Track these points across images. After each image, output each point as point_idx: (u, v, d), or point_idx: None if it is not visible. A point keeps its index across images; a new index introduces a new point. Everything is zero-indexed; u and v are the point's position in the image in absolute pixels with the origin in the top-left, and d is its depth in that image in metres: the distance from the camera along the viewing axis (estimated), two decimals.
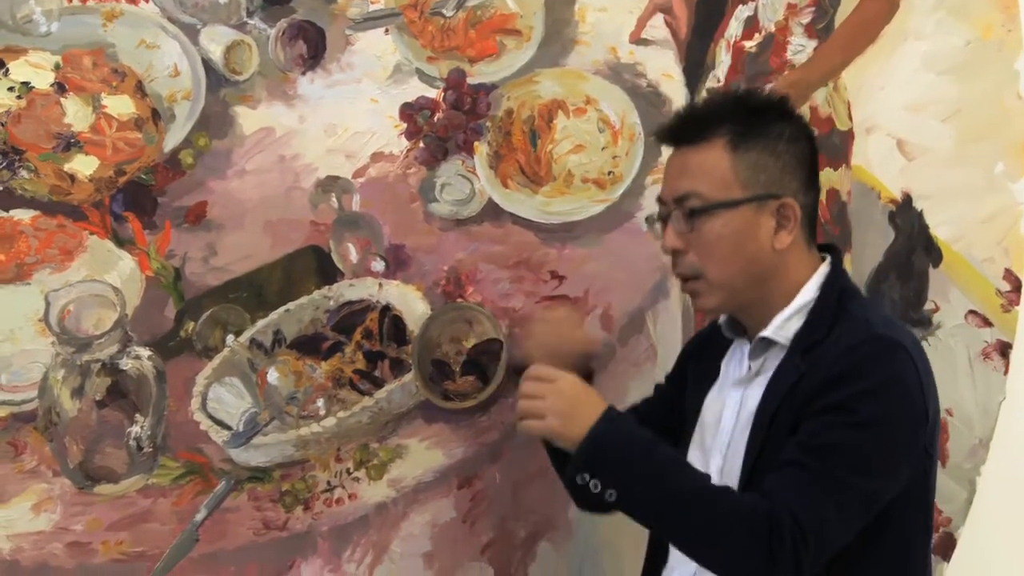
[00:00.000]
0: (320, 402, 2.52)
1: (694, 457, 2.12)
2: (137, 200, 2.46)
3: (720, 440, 2.08)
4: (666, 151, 2.66)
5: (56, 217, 2.40)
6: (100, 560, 2.37)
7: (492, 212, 2.65)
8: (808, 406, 1.94)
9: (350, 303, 2.57)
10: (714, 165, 2.02)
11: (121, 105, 2.44)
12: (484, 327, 2.60)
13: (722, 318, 2.17)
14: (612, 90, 2.70)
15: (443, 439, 2.57)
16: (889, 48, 2.83)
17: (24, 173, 2.37)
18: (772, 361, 2.05)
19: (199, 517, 2.43)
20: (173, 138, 2.48)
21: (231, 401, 2.48)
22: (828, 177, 2.81)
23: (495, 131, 2.67)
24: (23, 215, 2.39)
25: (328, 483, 2.51)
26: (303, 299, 2.55)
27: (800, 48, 2.79)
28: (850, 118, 2.84)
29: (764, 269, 2.04)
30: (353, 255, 2.57)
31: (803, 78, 2.79)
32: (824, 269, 2.08)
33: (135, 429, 2.41)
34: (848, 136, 2.84)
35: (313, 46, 2.56)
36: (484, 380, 2.57)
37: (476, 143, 2.65)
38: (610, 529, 2.66)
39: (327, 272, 2.56)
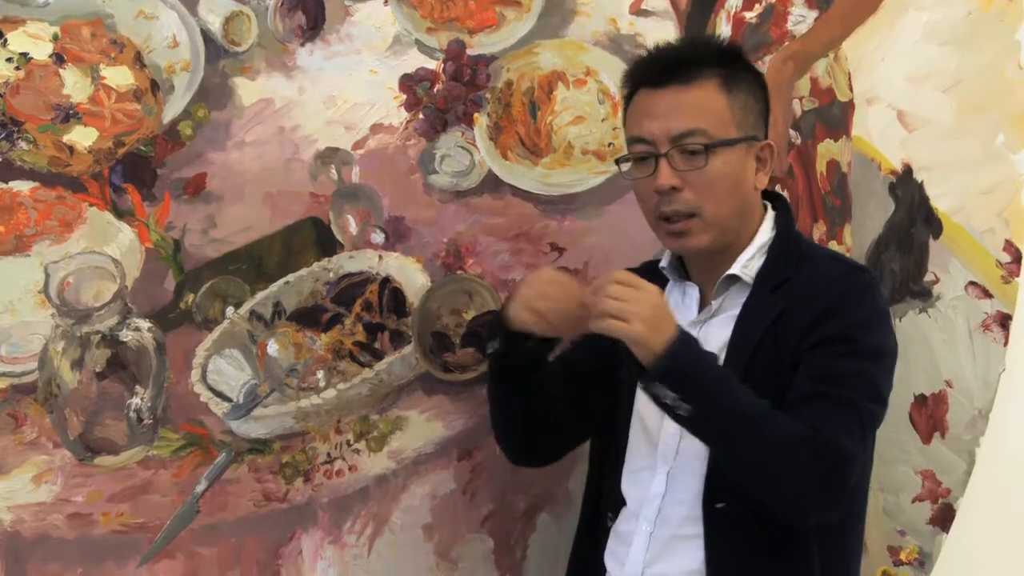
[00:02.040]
0: (320, 374, 2.52)
1: (645, 398, 2.12)
2: (136, 172, 2.45)
3: None
4: None
5: (55, 189, 2.39)
6: (101, 531, 2.38)
7: (492, 184, 2.65)
8: (805, 340, 2.01)
9: (350, 275, 2.57)
10: (712, 104, 2.09)
11: (120, 76, 2.43)
12: (484, 299, 2.60)
13: (664, 260, 2.23)
14: (612, 61, 2.69)
15: (443, 411, 2.57)
16: (890, 19, 2.82)
17: (23, 144, 2.36)
18: (734, 299, 2.11)
19: (199, 489, 2.43)
20: (172, 109, 2.47)
21: (231, 373, 2.48)
22: (829, 148, 2.81)
23: (495, 103, 2.66)
24: (22, 187, 2.38)
25: (328, 455, 2.52)
26: (303, 271, 2.54)
27: (801, 19, 2.78)
28: (851, 89, 2.83)
29: (746, 208, 2.13)
30: (353, 227, 2.57)
31: (803, 49, 2.78)
32: (772, 212, 2.18)
33: (135, 401, 2.41)
34: (848, 107, 2.84)
35: (312, 17, 2.55)
36: (484, 352, 2.57)
37: (476, 115, 2.65)
38: None
39: (327, 244, 2.56)
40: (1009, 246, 2.81)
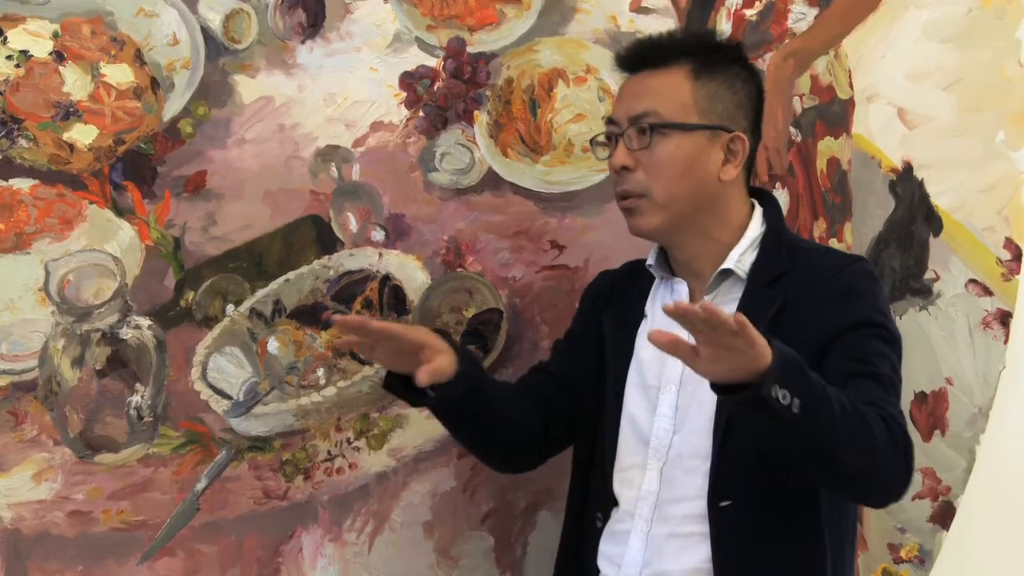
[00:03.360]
0: (320, 372, 2.52)
1: (635, 396, 2.16)
2: (136, 169, 2.45)
3: (670, 374, 2.12)
4: None
5: (55, 186, 2.39)
6: (101, 529, 2.38)
7: (492, 182, 2.65)
8: (826, 327, 2.02)
9: (350, 273, 2.57)
10: (675, 89, 2.12)
11: (120, 74, 2.43)
12: (484, 297, 2.60)
13: (650, 258, 2.23)
14: (612, 59, 2.69)
15: None
16: (890, 16, 2.82)
17: (23, 142, 2.36)
18: (726, 294, 2.12)
19: (200, 486, 2.43)
20: (172, 107, 2.47)
21: (231, 371, 2.48)
22: (829, 146, 2.81)
23: (495, 100, 2.66)
24: (22, 184, 2.38)
25: (328, 452, 2.52)
26: (303, 269, 2.54)
27: (801, 16, 2.78)
28: (851, 87, 2.83)
29: (707, 197, 2.12)
30: (353, 225, 2.57)
31: (804, 46, 2.78)
32: (759, 208, 2.19)
33: (135, 399, 2.41)
34: (849, 105, 2.84)
35: (312, 14, 2.55)
36: (484, 350, 2.57)
37: (476, 112, 2.65)
38: None
39: (327, 242, 2.56)
40: (1009, 243, 2.81)
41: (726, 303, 2.09)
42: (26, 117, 2.36)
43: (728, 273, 2.13)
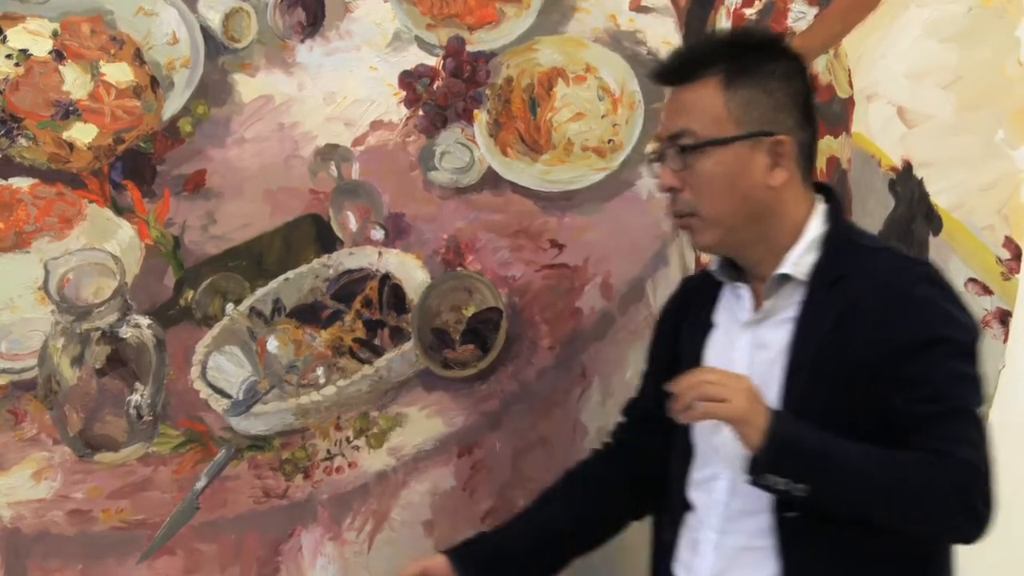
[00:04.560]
0: (320, 371, 2.52)
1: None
2: (136, 168, 2.45)
3: None
4: None
5: (55, 185, 2.40)
6: (101, 528, 2.38)
7: (492, 180, 2.65)
8: (884, 345, 1.94)
9: (349, 272, 2.57)
10: (707, 103, 2.04)
11: (119, 73, 2.43)
12: (483, 296, 2.60)
13: (713, 264, 2.17)
14: (612, 58, 2.69)
15: (443, 407, 2.57)
16: (890, 15, 2.82)
17: (23, 141, 2.37)
18: (788, 299, 2.04)
19: (199, 485, 2.43)
20: (172, 106, 2.48)
21: (231, 370, 2.48)
22: (828, 145, 2.81)
23: (494, 99, 2.66)
24: (22, 183, 2.39)
25: (328, 451, 2.52)
26: (302, 268, 2.54)
27: (801, 15, 2.78)
28: (851, 85, 2.83)
29: (759, 206, 2.04)
30: (352, 224, 2.57)
31: (803, 45, 2.77)
32: (822, 205, 2.10)
33: (135, 397, 2.41)
34: (849, 104, 2.83)
35: (312, 13, 2.55)
36: (484, 349, 2.57)
37: (475, 111, 2.65)
38: None
39: (326, 241, 2.56)
40: (1009, 242, 2.81)
41: (787, 307, 2.03)
42: (26, 116, 2.36)
43: (788, 276, 2.05)
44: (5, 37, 2.36)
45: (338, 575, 2.51)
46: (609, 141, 2.69)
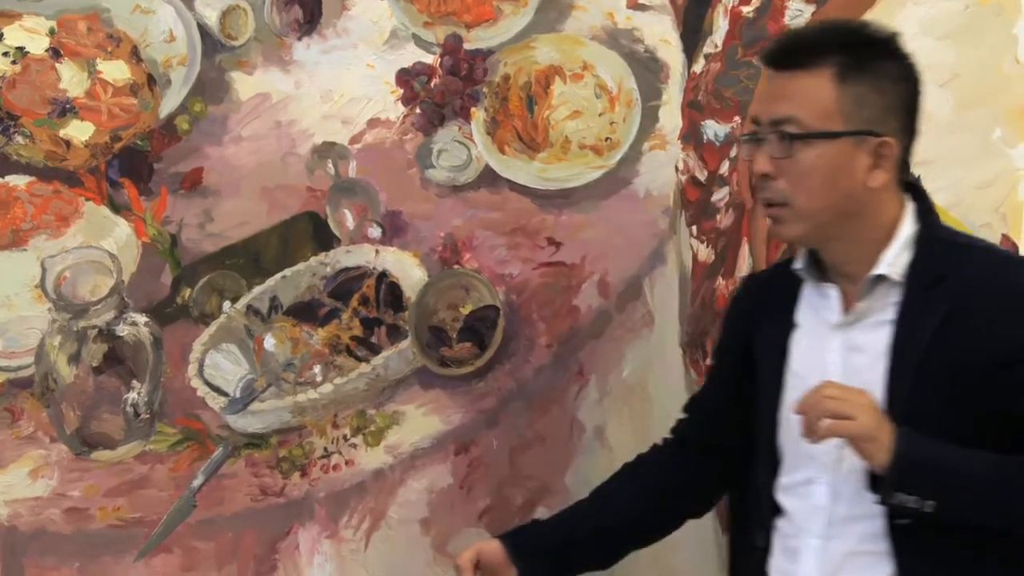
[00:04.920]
0: (317, 369, 2.52)
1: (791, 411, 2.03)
2: (133, 166, 2.45)
3: None
4: (665, 116, 2.71)
5: (52, 183, 2.40)
6: (97, 526, 2.38)
7: (489, 178, 2.65)
8: (1003, 348, 1.90)
9: (347, 269, 2.57)
10: (818, 93, 1.97)
11: (116, 70, 2.43)
12: (481, 293, 2.60)
13: (799, 262, 2.09)
14: (609, 56, 2.69)
15: (440, 405, 2.57)
16: (887, 13, 2.81)
17: (19, 139, 2.37)
18: (882, 300, 1.99)
19: (196, 483, 2.43)
20: (169, 104, 2.48)
21: (228, 367, 2.48)
22: None
23: (492, 97, 2.66)
24: (19, 181, 2.39)
25: (325, 449, 2.52)
26: (300, 266, 2.54)
27: (798, 13, 2.77)
28: None
29: (853, 205, 1.99)
30: (350, 221, 2.57)
31: None
32: (911, 204, 2.04)
33: (132, 395, 2.41)
34: None
35: (309, 11, 2.55)
36: (481, 346, 2.57)
37: (473, 109, 2.65)
38: None
39: (324, 238, 2.56)
40: (1006, 240, 2.80)
41: (882, 309, 1.98)
42: (22, 114, 2.36)
43: (882, 277, 1.99)
44: (2, 35, 2.36)
45: (335, 573, 2.51)
46: (606, 139, 2.69)
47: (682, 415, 2.28)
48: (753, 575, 2.10)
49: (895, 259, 1.98)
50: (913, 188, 2.07)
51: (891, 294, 1.98)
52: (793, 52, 1.99)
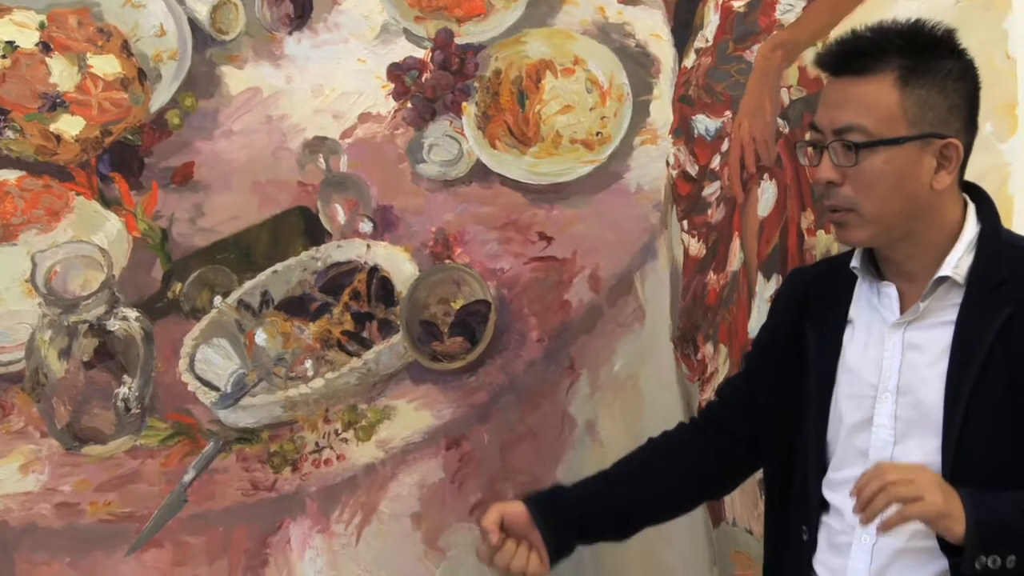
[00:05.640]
0: (308, 363, 2.52)
1: (848, 406, 2.04)
2: (123, 161, 2.45)
3: (885, 383, 2.01)
4: (656, 110, 2.71)
5: (42, 178, 2.39)
6: (88, 521, 2.38)
7: (480, 173, 2.65)
8: None
9: (338, 264, 2.57)
10: (881, 100, 1.95)
11: (107, 65, 2.42)
12: (472, 288, 2.60)
13: (855, 260, 2.08)
14: (600, 50, 2.69)
15: (431, 400, 2.57)
16: (878, 8, 2.80)
17: (9, 133, 2.36)
18: (943, 301, 1.99)
19: (187, 478, 2.43)
20: (159, 98, 2.47)
21: (219, 362, 2.48)
22: None
23: (483, 92, 2.66)
24: (9, 175, 2.38)
25: (316, 444, 2.52)
26: (291, 260, 2.54)
27: (789, 7, 2.77)
28: None
29: (919, 208, 1.98)
30: (341, 216, 2.57)
31: (792, 38, 2.77)
32: (973, 205, 2.03)
33: (123, 390, 2.41)
34: None
35: (299, 5, 2.55)
36: (472, 341, 2.57)
37: (464, 104, 2.64)
38: None
39: (315, 233, 2.56)
40: None
41: (944, 310, 1.98)
42: (12, 108, 2.36)
43: (945, 278, 1.98)
44: None
45: (326, 567, 2.52)
46: (597, 134, 2.69)
47: (714, 398, 2.30)
48: (796, 570, 2.09)
49: (958, 261, 1.97)
50: (973, 188, 2.06)
51: (952, 295, 1.97)
52: (852, 57, 1.98)
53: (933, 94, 1.96)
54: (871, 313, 2.04)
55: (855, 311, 2.08)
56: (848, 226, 1.99)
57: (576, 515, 2.16)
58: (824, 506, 2.07)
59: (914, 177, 1.95)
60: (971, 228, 2.00)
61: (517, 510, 2.13)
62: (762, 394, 2.15)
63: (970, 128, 2.02)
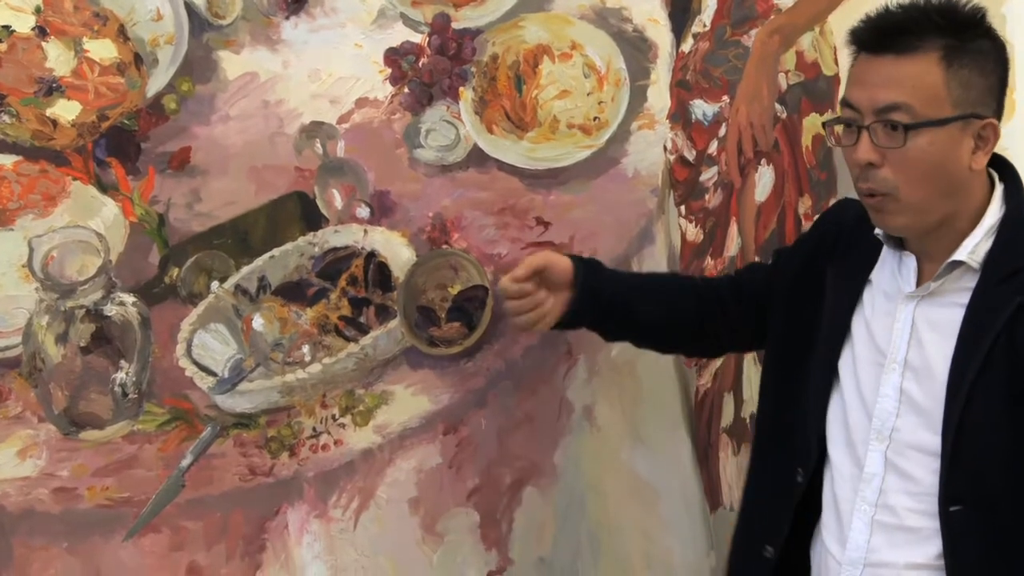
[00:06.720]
0: (305, 348, 2.52)
1: (858, 368, 2.05)
2: (120, 145, 2.44)
3: (894, 354, 2.01)
4: (653, 95, 2.71)
5: (38, 162, 2.38)
6: (86, 506, 2.37)
7: (477, 158, 2.64)
8: None
9: (335, 249, 2.57)
10: (926, 79, 1.92)
11: (103, 49, 2.42)
12: (469, 273, 2.60)
13: (878, 227, 2.07)
14: (598, 35, 2.69)
15: (429, 385, 2.57)
16: None
17: (5, 118, 2.35)
18: (957, 283, 1.98)
19: (185, 463, 2.43)
20: (156, 83, 2.46)
21: (216, 347, 2.48)
22: (814, 122, 2.81)
23: (480, 76, 2.66)
24: (5, 160, 2.37)
25: (314, 429, 2.52)
26: (288, 245, 2.54)
27: None
28: (836, 63, 2.83)
29: (956, 190, 1.96)
30: (338, 201, 2.56)
31: (789, 23, 2.78)
32: (1000, 187, 2.02)
33: (120, 375, 2.41)
34: (834, 81, 2.84)
35: None
36: (470, 326, 2.57)
37: (461, 88, 2.64)
38: (595, 473, 2.67)
39: (312, 218, 2.55)
40: None
41: (955, 292, 1.98)
42: (8, 93, 2.35)
43: (958, 262, 1.98)
44: None
45: (324, 552, 2.52)
46: (595, 119, 2.69)
47: (730, 275, 2.46)
48: (782, 509, 2.12)
49: (975, 247, 1.97)
50: (1002, 165, 2.05)
51: (966, 279, 1.97)
52: (895, 35, 1.95)
53: (975, 74, 1.94)
54: (891, 280, 2.05)
55: (876, 273, 2.09)
56: (886, 212, 1.98)
57: (612, 301, 2.26)
58: (824, 459, 2.09)
59: (955, 159, 1.94)
60: (994, 212, 1.99)
61: (564, 267, 2.23)
62: (763, 294, 2.27)
63: (1000, 107, 2.00)
